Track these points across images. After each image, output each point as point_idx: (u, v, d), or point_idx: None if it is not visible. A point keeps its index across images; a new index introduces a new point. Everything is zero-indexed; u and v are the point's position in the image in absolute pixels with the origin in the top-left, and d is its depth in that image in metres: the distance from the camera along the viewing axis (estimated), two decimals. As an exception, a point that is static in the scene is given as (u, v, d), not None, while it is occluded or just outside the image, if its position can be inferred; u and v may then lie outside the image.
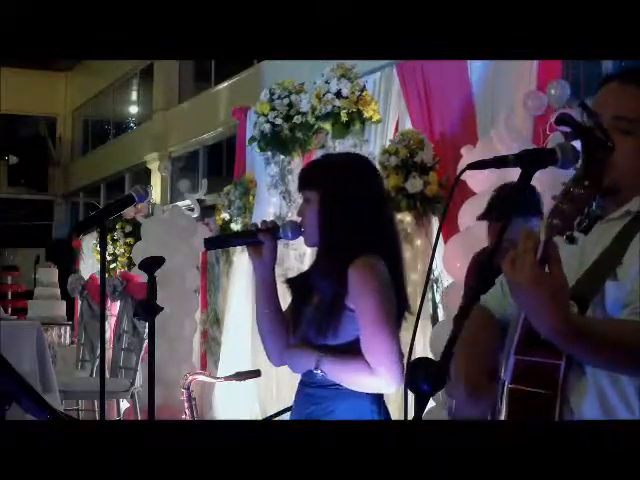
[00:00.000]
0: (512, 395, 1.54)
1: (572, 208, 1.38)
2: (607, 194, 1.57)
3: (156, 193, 12.05)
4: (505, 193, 3.24)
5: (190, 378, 3.60)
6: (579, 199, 1.39)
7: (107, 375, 6.35)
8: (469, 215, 4.33)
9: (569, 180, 1.41)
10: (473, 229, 4.29)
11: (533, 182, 1.47)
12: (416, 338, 1.63)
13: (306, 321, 2.27)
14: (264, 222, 2.32)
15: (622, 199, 1.58)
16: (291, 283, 2.39)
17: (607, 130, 1.52)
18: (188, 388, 3.58)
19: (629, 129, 1.56)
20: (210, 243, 2.44)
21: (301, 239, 2.31)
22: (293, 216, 6.06)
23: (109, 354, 6.62)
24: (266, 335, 2.37)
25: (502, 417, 1.56)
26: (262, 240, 2.27)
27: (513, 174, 1.49)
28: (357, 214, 2.23)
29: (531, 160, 1.48)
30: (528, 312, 1.43)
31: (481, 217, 3.33)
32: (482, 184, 4.27)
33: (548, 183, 2.91)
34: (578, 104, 1.57)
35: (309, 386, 2.27)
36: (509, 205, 2.28)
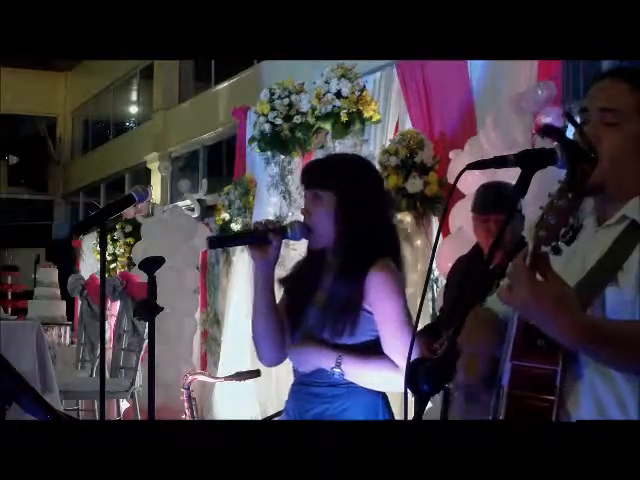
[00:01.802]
0: (510, 400, 1.54)
1: (557, 220, 1.41)
2: (596, 192, 1.56)
3: (156, 193, 12.06)
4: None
5: (190, 378, 3.60)
6: (563, 211, 1.42)
7: (107, 375, 6.35)
8: (460, 217, 4.33)
9: (554, 192, 1.43)
10: (465, 230, 4.28)
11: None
12: (416, 338, 1.63)
13: (313, 320, 2.25)
14: (270, 222, 2.29)
15: (614, 199, 1.57)
16: (289, 282, 2.37)
17: (591, 141, 1.53)
18: (188, 388, 3.58)
19: (614, 121, 1.56)
20: (214, 242, 2.39)
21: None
22: (294, 216, 6.06)
23: (109, 354, 6.62)
24: (262, 334, 2.34)
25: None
26: (271, 240, 2.23)
27: (504, 176, 1.49)
28: (375, 216, 2.25)
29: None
30: (545, 328, 1.42)
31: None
32: (472, 186, 4.26)
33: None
34: (564, 113, 1.59)
35: (315, 385, 2.25)
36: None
